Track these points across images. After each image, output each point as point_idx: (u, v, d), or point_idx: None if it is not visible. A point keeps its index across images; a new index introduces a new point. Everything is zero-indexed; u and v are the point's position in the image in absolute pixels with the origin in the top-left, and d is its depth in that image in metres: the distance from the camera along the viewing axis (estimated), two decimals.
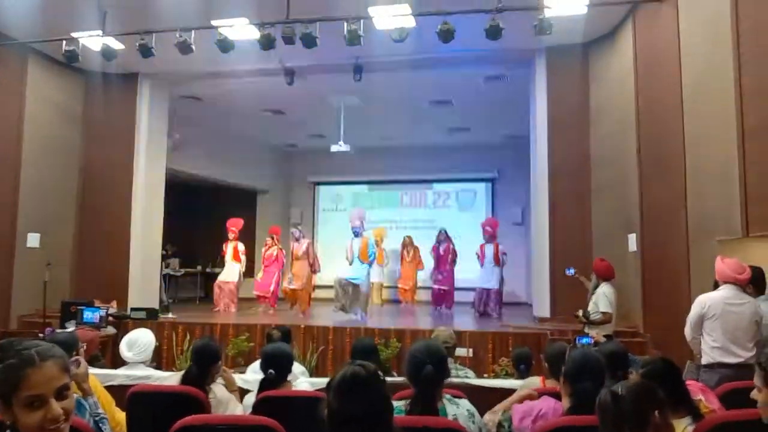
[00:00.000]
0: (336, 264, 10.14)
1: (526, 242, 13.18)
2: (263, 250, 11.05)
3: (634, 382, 2.08)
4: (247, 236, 11.84)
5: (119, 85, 9.84)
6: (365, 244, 9.38)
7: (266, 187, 15.48)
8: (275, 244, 10.95)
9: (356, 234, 9.56)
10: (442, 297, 10.91)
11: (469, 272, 11.34)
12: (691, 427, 2.39)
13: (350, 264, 9.40)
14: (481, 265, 10.53)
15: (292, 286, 10.00)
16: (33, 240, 8.83)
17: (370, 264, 9.55)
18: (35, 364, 1.51)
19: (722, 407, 2.82)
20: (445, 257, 11.00)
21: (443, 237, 11.28)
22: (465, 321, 9.60)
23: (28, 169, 8.74)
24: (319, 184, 16.17)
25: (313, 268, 10.34)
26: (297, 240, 10.33)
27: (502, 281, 10.51)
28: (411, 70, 9.43)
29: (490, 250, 10.45)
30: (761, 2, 5.01)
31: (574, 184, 8.62)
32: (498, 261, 10.40)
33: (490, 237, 10.64)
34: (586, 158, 8.62)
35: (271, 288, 10.61)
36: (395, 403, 2.39)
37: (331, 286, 9.76)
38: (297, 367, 3.98)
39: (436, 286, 10.94)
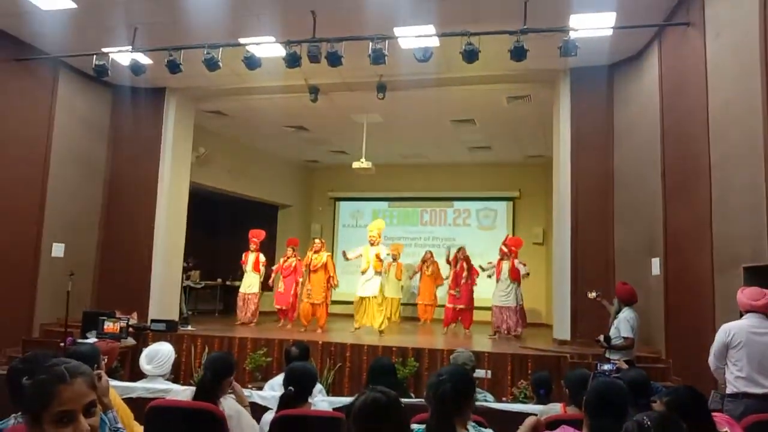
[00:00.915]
0: (355, 279, 10.23)
1: (547, 263, 13.08)
2: (281, 260, 11.09)
3: (659, 414, 2.04)
4: (268, 250, 11.90)
5: (146, 99, 10.01)
6: (378, 254, 9.74)
7: (287, 202, 15.58)
8: (294, 256, 11.00)
9: (372, 244, 9.87)
10: (458, 316, 10.71)
11: (489, 292, 11.16)
12: None
13: (363, 273, 9.69)
14: (497, 280, 10.38)
15: (310, 301, 10.02)
16: (58, 250, 8.98)
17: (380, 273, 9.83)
18: (66, 381, 1.54)
19: None
20: (461, 274, 10.85)
21: (461, 255, 11.15)
22: (484, 342, 9.50)
23: (55, 180, 8.92)
24: (339, 199, 16.24)
25: (330, 284, 10.35)
26: (317, 252, 10.34)
27: (520, 298, 10.30)
28: (434, 89, 9.46)
29: (506, 266, 10.28)
30: None
31: (597, 206, 8.54)
32: (514, 276, 10.16)
33: (504, 255, 10.47)
34: (610, 180, 8.55)
35: (290, 300, 10.65)
36: (414, 426, 2.37)
37: (348, 302, 9.85)
38: (315, 386, 3.96)
39: (450, 305, 10.76)
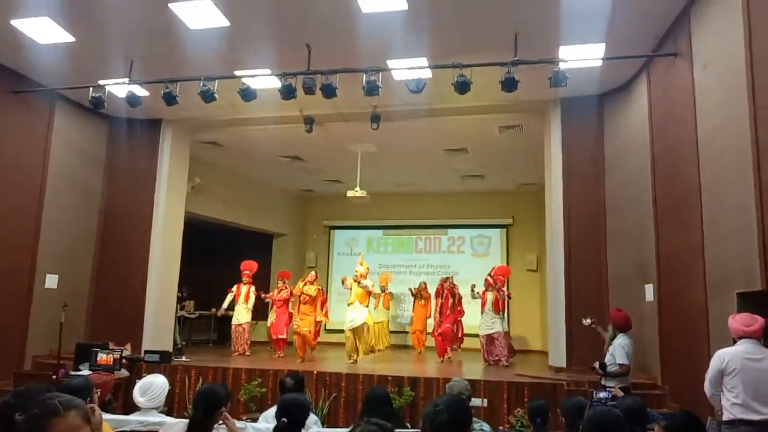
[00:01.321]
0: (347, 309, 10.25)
1: (541, 289, 13.09)
2: (275, 292, 11.13)
3: None
4: (263, 279, 11.90)
5: (142, 130, 10.10)
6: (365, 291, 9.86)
7: (282, 231, 15.60)
8: (285, 287, 11.07)
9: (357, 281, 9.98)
10: (445, 339, 10.69)
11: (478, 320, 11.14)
12: None
13: (350, 305, 9.85)
14: (482, 312, 10.38)
15: (300, 330, 10.03)
16: (51, 281, 8.95)
17: (367, 305, 9.94)
18: (60, 414, 1.54)
19: None
20: (446, 305, 10.89)
21: (448, 285, 11.15)
22: (478, 369, 9.46)
23: (49, 211, 8.93)
24: (334, 228, 16.28)
25: (319, 317, 10.39)
26: (311, 283, 10.38)
27: (504, 326, 10.30)
28: (427, 119, 9.58)
29: (490, 297, 10.30)
30: None
31: (590, 233, 8.61)
32: (497, 309, 10.14)
33: (489, 286, 10.49)
34: (601, 207, 8.63)
35: (285, 330, 10.69)
36: None
37: (342, 331, 9.91)
38: (310, 417, 3.94)
39: (437, 334, 10.77)
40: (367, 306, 9.98)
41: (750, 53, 5.20)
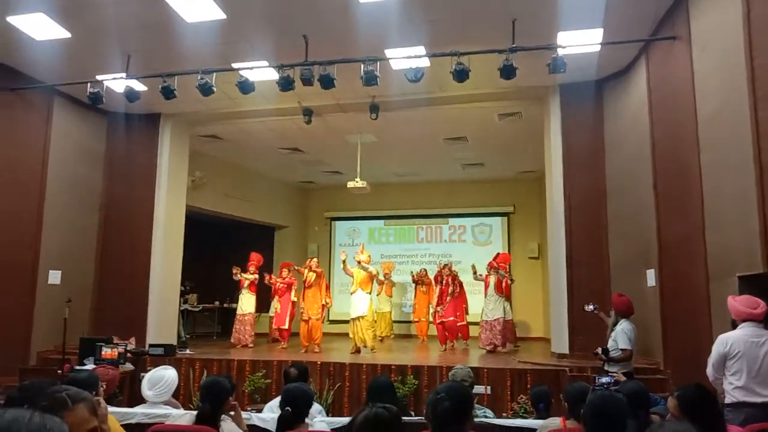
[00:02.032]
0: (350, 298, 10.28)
1: (543, 276, 13.12)
2: (278, 280, 11.17)
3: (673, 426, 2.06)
4: (266, 271, 11.92)
5: (141, 125, 10.10)
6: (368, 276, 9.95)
7: (284, 223, 15.62)
8: (288, 277, 11.12)
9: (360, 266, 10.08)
10: (449, 330, 10.77)
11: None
12: None
13: (353, 294, 9.90)
14: (485, 295, 10.49)
15: (305, 318, 10.06)
16: (54, 277, 8.98)
17: (370, 292, 10.01)
18: (68, 407, 1.55)
19: None
20: (446, 291, 10.97)
21: (446, 272, 11.26)
22: (481, 357, 9.51)
23: (50, 208, 8.95)
24: (335, 219, 16.30)
25: (324, 302, 10.41)
26: (313, 270, 10.41)
27: (508, 311, 10.41)
28: (426, 108, 9.56)
29: (493, 279, 10.42)
30: None
31: (591, 219, 8.61)
32: (500, 290, 10.28)
33: (492, 270, 10.55)
34: (602, 192, 8.63)
35: (287, 318, 10.74)
36: None
37: (346, 321, 9.95)
38: (314, 407, 3.96)
39: (438, 322, 10.86)
40: (370, 293, 10.01)
41: (749, 34, 5.18)
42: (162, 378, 4.39)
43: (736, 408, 4.12)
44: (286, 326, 10.75)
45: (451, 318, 10.68)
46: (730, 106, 5.56)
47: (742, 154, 5.29)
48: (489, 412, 4.75)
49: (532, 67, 7.21)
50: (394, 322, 13.33)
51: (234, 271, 11.29)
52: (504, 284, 10.45)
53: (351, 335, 9.80)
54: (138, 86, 8.14)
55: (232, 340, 11.00)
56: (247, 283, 11.31)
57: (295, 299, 10.75)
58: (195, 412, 3.46)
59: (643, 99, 7.60)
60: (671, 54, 6.85)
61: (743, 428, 3.28)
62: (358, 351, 9.54)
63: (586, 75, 8.49)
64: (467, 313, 11.11)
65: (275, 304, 11.11)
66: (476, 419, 3.71)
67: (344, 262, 10.14)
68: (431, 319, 11.40)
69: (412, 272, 12.90)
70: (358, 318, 9.69)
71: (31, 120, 8.76)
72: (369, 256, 10.37)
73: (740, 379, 4.12)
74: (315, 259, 10.78)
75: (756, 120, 5.13)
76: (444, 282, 10.99)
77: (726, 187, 5.70)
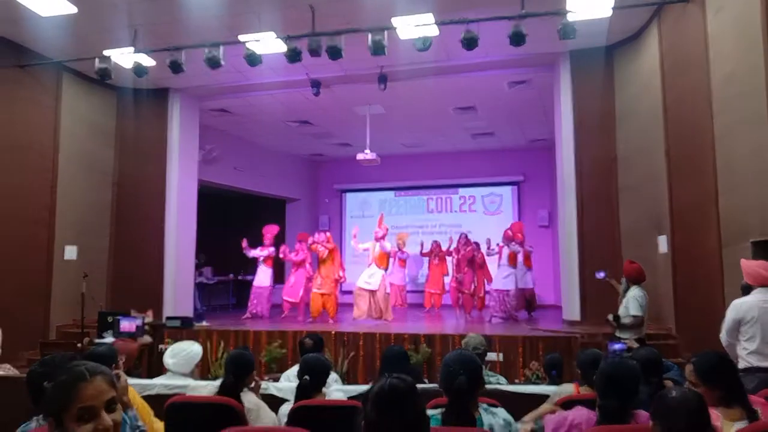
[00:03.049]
0: (363, 269, 10.40)
1: (554, 245, 13.12)
2: (293, 254, 11.24)
3: (682, 392, 2.08)
4: (278, 244, 11.99)
5: (150, 100, 10.10)
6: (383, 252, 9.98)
7: (295, 196, 15.67)
8: (303, 250, 11.16)
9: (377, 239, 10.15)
10: (465, 300, 10.89)
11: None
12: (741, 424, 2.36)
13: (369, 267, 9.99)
14: (498, 265, 10.57)
15: (321, 291, 10.15)
16: (70, 252, 9.10)
17: (386, 269, 10.07)
18: (86, 379, 1.60)
19: None
20: (464, 260, 11.04)
21: (463, 241, 11.35)
22: (494, 325, 9.58)
23: (64, 184, 9.02)
24: (346, 191, 16.32)
25: (337, 275, 10.49)
26: (325, 246, 10.47)
27: (521, 281, 10.50)
28: (435, 78, 9.48)
29: (506, 251, 10.45)
30: None
31: (602, 186, 8.56)
32: (513, 262, 10.33)
33: (507, 240, 10.59)
34: (613, 160, 8.57)
35: (300, 293, 10.83)
36: (430, 412, 2.43)
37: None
38: (331, 375, 4.02)
39: (455, 288, 11.00)
40: (386, 269, 10.08)
41: None
42: (184, 349, 4.45)
43: (749, 373, 4.13)
44: (296, 300, 10.84)
45: (467, 291, 10.77)
46: (746, 68, 5.47)
47: (756, 118, 5.23)
48: (502, 379, 4.81)
49: (542, 33, 7.10)
50: (408, 292, 13.39)
51: (243, 246, 11.33)
52: (523, 255, 10.54)
53: (356, 304, 9.94)
54: (146, 61, 8.11)
55: (248, 313, 11.10)
56: (262, 258, 11.37)
57: (310, 274, 10.83)
58: (216, 383, 3.53)
59: (655, 64, 7.48)
60: (684, 17, 6.72)
61: (755, 394, 3.29)
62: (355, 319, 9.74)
63: (596, 41, 8.36)
64: (490, 282, 11.14)
65: (290, 278, 11.18)
66: (489, 386, 3.77)
67: (355, 237, 10.26)
68: (447, 289, 11.49)
69: (421, 242, 12.85)
70: (371, 291, 9.79)
71: (40, 97, 8.78)
72: (387, 228, 10.43)
73: (754, 344, 4.12)
74: (328, 234, 10.81)
75: None
76: (461, 254, 11.08)
77: (740, 151, 5.64)
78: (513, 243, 10.38)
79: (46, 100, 8.87)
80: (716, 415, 2.38)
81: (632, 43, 8.27)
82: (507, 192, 15.12)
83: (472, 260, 11.05)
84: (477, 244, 11.44)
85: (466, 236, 11.63)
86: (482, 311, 11.19)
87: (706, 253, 6.25)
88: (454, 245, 11.83)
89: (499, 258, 10.53)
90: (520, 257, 10.64)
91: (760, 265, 4.26)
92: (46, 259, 8.72)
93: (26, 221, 8.41)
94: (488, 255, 11.00)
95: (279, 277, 12.16)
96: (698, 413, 2.00)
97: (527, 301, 11.23)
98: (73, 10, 7.21)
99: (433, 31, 7.29)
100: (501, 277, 10.32)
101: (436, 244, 12.56)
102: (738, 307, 4.25)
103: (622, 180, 8.47)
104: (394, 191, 15.93)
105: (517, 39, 6.69)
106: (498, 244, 10.72)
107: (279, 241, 12.06)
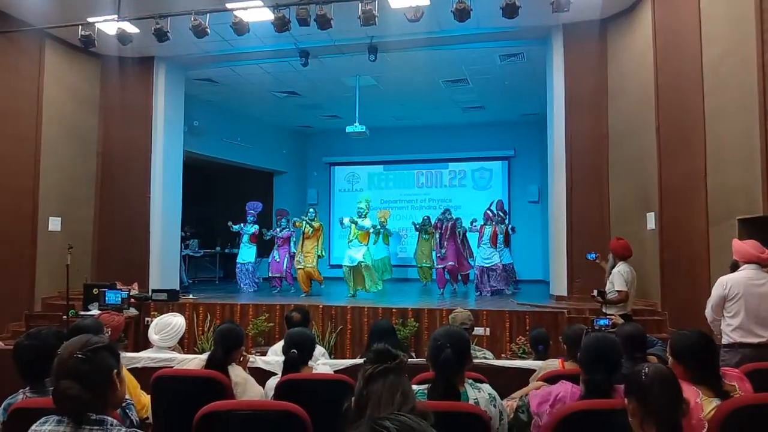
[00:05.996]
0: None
1: (542, 220, 13.15)
2: (277, 230, 11.23)
3: (656, 367, 2.09)
4: (265, 217, 11.97)
5: (135, 68, 9.88)
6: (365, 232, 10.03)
7: (282, 168, 15.55)
8: (286, 226, 11.18)
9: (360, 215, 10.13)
10: (451, 274, 10.96)
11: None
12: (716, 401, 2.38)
13: (349, 242, 10.05)
14: (478, 245, 10.67)
15: (301, 266, 10.15)
16: (54, 224, 8.98)
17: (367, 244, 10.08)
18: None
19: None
20: (444, 236, 11.08)
21: (447, 216, 11.37)
22: (481, 300, 9.65)
23: (47, 154, 8.85)
24: (334, 164, 16.20)
25: (321, 253, 10.51)
26: (310, 222, 10.43)
27: (503, 256, 10.59)
28: (426, 49, 9.35)
29: (488, 231, 10.52)
30: None
31: (592, 162, 8.55)
32: (494, 243, 10.42)
33: (488, 219, 10.66)
34: (604, 136, 8.54)
35: (285, 266, 10.91)
36: (415, 387, 2.42)
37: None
38: (318, 349, 4.02)
39: (440, 266, 11.04)
40: (367, 244, 10.08)
41: None
42: (169, 324, 4.44)
43: (732, 348, 4.19)
44: (282, 274, 10.94)
45: (452, 263, 10.81)
46: (737, 49, 5.45)
47: (748, 98, 5.23)
48: (489, 354, 4.84)
49: (535, 5, 7.00)
50: (394, 266, 13.41)
51: (229, 224, 11.34)
52: (504, 234, 10.59)
53: (348, 282, 9.96)
54: (130, 28, 7.90)
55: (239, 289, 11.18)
56: (248, 234, 11.39)
57: (295, 251, 10.81)
58: (202, 356, 3.51)
59: (648, 41, 7.42)
60: None
61: (738, 369, 3.32)
62: (354, 296, 9.72)
63: (590, 14, 8.26)
64: (472, 257, 11.21)
65: (275, 253, 11.21)
66: (476, 360, 3.78)
67: (341, 221, 10.42)
68: (435, 264, 11.53)
69: (413, 222, 12.81)
70: (351, 267, 9.83)
71: (23, 65, 8.57)
72: (368, 201, 10.42)
73: (738, 320, 4.18)
74: (313, 211, 10.77)
75: (763, 63, 5.05)
76: (443, 228, 11.09)
77: (729, 130, 5.64)
78: (493, 222, 10.48)
79: (28, 68, 8.66)
80: (696, 392, 2.40)
81: (626, 17, 8.17)
82: (497, 167, 15.07)
83: (453, 233, 11.07)
84: (459, 219, 11.51)
85: (448, 214, 11.59)
86: (467, 285, 11.29)
87: (693, 231, 6.29)
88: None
89: (480, 238, 10.61)
90: (500, 236, 10.71)
91: (749, 243, 4.30)
92: (31, 230, 8.61)
93: (9, 191, 8.27)
94: (470, 232, 11.09)
95: (265, 251, 12.15)
96: (670, 387, 2.03)
97: (507, 274, 11.31)
98: None
99: (425, 1, 7.15)
100: (483, 256, 10.41)
101: (427, 219, 12.56)
102: (724, 283, 4.29)
103: (613, 155, 8.45)
104: (384, 165, 15.84)
105: (510, 11, 6.58)
106: (476, 226, 10.81)
107: (267, 215, 12.02)
